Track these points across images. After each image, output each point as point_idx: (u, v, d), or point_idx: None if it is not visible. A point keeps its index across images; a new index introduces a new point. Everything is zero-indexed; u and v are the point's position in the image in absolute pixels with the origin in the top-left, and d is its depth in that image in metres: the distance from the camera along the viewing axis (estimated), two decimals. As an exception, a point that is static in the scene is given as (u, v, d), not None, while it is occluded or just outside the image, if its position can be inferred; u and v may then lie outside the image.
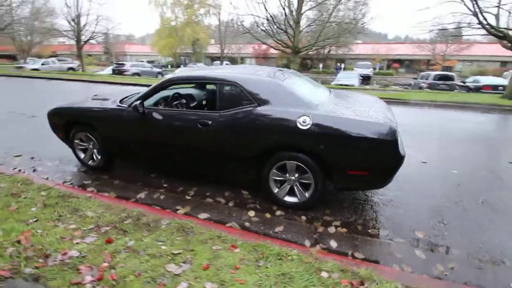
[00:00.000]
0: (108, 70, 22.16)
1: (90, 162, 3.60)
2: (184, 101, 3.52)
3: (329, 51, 26.84)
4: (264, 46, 36.14)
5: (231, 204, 2.88)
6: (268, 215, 2.68)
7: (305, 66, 32.11)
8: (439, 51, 25.86)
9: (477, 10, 8.31)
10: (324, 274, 1.77)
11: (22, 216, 2.33)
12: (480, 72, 23.14)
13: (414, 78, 19.72)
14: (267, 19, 12.30)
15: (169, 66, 38.62)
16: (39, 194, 2.74)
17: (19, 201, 2.59)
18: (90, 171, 3.61)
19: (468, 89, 14.01)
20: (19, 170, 3.50)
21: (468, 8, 8.60)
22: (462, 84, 14.81)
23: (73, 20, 18.52)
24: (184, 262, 1.82)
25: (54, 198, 2.65)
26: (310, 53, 19.28)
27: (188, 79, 3.09)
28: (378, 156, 2.37)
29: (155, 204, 2.81)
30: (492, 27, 8.53)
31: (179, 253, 1.91)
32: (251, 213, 2.70)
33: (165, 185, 3.26)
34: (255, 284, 1.68)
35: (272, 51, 35.50)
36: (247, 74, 2.84)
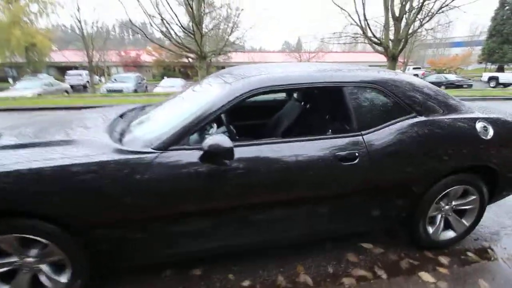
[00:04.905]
0: None
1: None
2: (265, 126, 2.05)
3: (210, 59, 26.67)
4: (133, 53, 31.79)
5: (384, 276, 1.84)
6: (444, 271, 1.85)
7: (186, 75, 30.58)
8: (300, 59, 31.05)
9: (364, 24, 10.46)
10: None
11: None
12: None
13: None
14: (162, 20, 10.47)
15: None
16: None
17: None
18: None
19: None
20: None
21: (355, 22, 10.65)
22: None
23: None
24: None
25: None
26: (190, 60, 18.06)
27: (283, 85, 1.70)
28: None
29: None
30: (374, 36, 10.82)
31: None
32: (427, 278, 1.79)
33: (244, 285, 1.76)
34: None
35: (145, 59, 31.65)
36: (377, 72, 1.87)
